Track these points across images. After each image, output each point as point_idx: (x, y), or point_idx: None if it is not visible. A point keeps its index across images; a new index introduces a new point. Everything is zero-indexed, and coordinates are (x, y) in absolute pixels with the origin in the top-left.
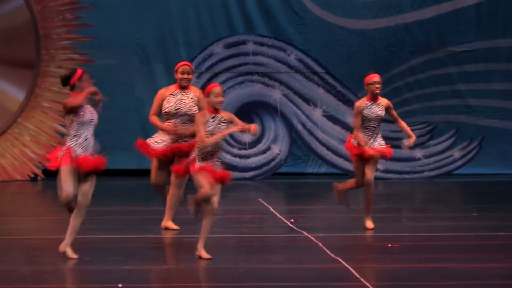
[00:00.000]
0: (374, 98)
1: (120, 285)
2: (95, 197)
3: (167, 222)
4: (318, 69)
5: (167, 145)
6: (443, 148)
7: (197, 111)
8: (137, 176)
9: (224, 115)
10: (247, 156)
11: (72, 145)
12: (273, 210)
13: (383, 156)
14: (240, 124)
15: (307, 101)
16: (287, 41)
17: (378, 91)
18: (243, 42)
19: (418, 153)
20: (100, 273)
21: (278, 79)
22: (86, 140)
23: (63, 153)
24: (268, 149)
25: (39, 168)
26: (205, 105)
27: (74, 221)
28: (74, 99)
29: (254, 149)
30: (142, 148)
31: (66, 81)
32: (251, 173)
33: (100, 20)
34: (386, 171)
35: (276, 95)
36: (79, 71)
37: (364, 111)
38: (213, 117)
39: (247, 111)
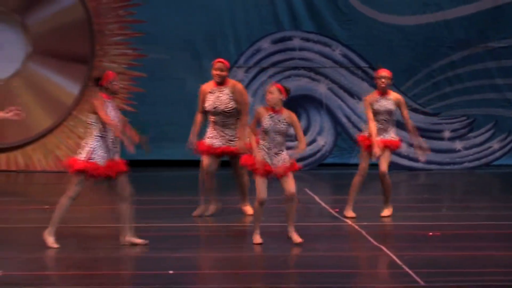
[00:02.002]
0: (382, 92)
1: (171, 272)
2: (147, 188)
3: (246, 207)
4: (362, 63)
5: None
6: (482, 140)
7: (233, 107)
8: (185, 167)
9: (286, 115)
10: (293, 148)
11: (95, 146)
12: (318, 200)
13: (391, 148)
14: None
15: (351, 94)
16: (332, 36)
17: (383, 85)
18: (290, 38)
19: (458, 145)
20: (151, 260)
21: (323, 73)
22: (110, 141)
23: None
24: (314, 141)
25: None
26: (242, 98)
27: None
28: (105, 117)
29: None
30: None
31: (97, 82)
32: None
33: (152, 17)
34: (428, 162)
35: (321, 89)
36: (111, 74)
37: (374, 105)
38: (271, 116)
39: (294, 104)
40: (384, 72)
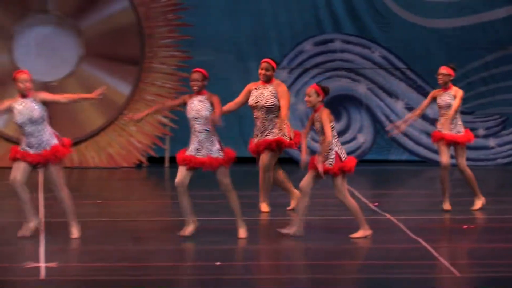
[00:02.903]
0: (445, 88)
1: (217, 263)
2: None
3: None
4: (400, 65)
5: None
6: None
7: (274, 103)
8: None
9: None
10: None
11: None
12: (358, 194)
13: (455, 142)
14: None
15: (390, 94)
16: (371, 39)
17: (440, 82)
18: (331, 40)
19: (491, 142)
20: (200, 252)
21: (363, 74)
22: (192, 135)
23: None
24: (354, 138)
25: (143, 156)
26: (284, 95)
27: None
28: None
29: (341, 138)
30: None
31: None
32: None
33: (199, 20)
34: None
35: (361, 89)
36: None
37: (436, 100)
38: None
39: (335, 104)
40: (444, 70)
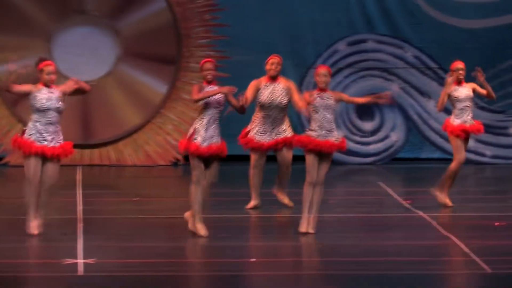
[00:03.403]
0: (459, 83)
1: (253, 259)
2: (231, 180)
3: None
4: (432, 64)
5: (272, 138)
6: None
7: (286, 102)
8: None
9: (330, 92)
10: (368, 143)
11: (198, 127)
12: (391, 192)
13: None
14: None
15: (422, 93)
16: (404, 39)
17: (461, 77)
18: (364, 41)
19: None
20: (234, 248)
21: (396, 74)
22: (209, 123)
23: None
24: (387, 137)
25: (180, 154)
26: (295, 94)
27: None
28: (194, 96)
29: (375, 137)
30: (246, 144)
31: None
32: (371, 159)
33: (235, 20)
34: (494, 156)
35: (394, 88)
36: (204, 60)
37: (454, 93)
38: (318, 94)
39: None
40: (461, 64)
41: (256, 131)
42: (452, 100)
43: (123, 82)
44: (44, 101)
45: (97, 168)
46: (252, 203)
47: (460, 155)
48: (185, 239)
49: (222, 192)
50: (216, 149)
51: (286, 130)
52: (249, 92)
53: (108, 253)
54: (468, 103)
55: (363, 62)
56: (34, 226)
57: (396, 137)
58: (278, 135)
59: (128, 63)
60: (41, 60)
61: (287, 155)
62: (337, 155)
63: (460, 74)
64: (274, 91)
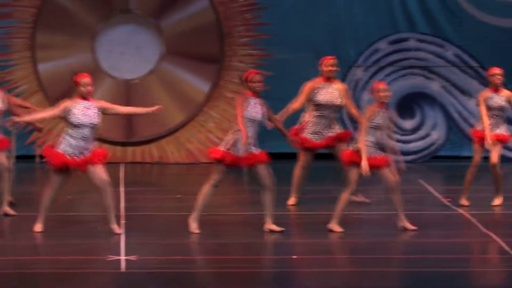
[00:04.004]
0: (495, 90)
1: (294, 257)
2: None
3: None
4: (473, 63)
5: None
6: None
7: (343, 103)
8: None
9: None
10: (408, 141)
11: (236, 139)
12: (431, 190)
13: (502, 142)
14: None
15: (463, 92)
16: (445, 38)
17: (499, 82)
18: (405, 39)
19: None
20: (302, 245)
21: (437, 72)
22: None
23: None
24: (427, 135)
25: (211, 160)
26: (348, 97)
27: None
28: (239, 114)
29: (415, 135)
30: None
31: (241, 80)
32: (412, 157)
33: (276, 19)
34: None
35: (435, 87)
36: (251, 71)
37: (487, 101)
38: (383, 112)
39: (409, 101)
40: (498, 70)
41: (311, 131)
42: (487, 108)
43: (166, 81)
44: (80, 116)
45: (140, 166)
46: (293, 199)
47: (473, 158)
48: (228, 236)
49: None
50: (257, 156)
51: (336, 129)
52: (304, 95)
53: (150, 250)
54: (500, 113)
55: (404, 60)
56: (39, 226)
57: (437, 135)
58: (329, 134)
59: (171, 61)
60: (76, 72)
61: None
62: None
63: (498, 79)
64: (331, 91)
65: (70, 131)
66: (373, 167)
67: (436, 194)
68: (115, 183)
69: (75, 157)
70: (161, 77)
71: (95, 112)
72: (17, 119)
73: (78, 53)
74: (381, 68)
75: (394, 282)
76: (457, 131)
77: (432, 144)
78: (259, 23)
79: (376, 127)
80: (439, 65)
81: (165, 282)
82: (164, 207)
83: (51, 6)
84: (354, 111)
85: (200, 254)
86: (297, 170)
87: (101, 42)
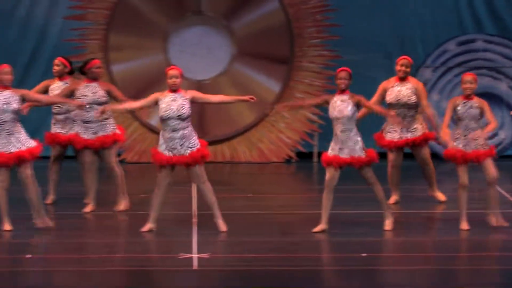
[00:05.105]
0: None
1: (364, 254)
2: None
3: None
4: None
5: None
6: None
7: (415, 101)
8: None
9: (477, 100)
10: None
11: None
12: (499, 189)
13: None
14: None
15: None
16: None
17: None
18: (473, 40)
19: None
20: (345, 244)
21: (504, 73)
22: (336, 135)
23: None
24: (495, 135)
25: (293, 151)
26: (422, 96)
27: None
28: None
29: None
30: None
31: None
32: None
33: (346, 21)
34: None
35: (502, 87)
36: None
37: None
38: (464, 103)
39: None
40: None
41: (388, 129)
42: None
43: (237, 81)
44: (164, 109)
45: (212, 165)
46: (393, 198)
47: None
48: (297, 235)
49: (353, 189)
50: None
51: (417, 129)
52: (376, 94)
53: (222, 248)
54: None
55: (472, 61)
56: (148, 226)
57: (504, 135)
58: (408, 134)
59: (242, 62)
60: (168, 66)
61: (421, 153)
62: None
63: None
64: (401, 90)
65: (162, 125)
66: (475, 159)
67: (503, 193)
68: (187, 182)
69: (175, 151)
70: (232, 78)
71: (181, 104)
72: (107, 107)
73: (150, 54)
74: (449, 69)
75: (467, 280)
76: None
77: (499, 144)
78: (329, 24)
79: (459, 118)
80: (507, 65)
81: (237, 280)
82: (236, 205)
83: (123, 8)
84: (427, 110)
85: (270, 252)
86: (388, 170)
87: (173, 43)
